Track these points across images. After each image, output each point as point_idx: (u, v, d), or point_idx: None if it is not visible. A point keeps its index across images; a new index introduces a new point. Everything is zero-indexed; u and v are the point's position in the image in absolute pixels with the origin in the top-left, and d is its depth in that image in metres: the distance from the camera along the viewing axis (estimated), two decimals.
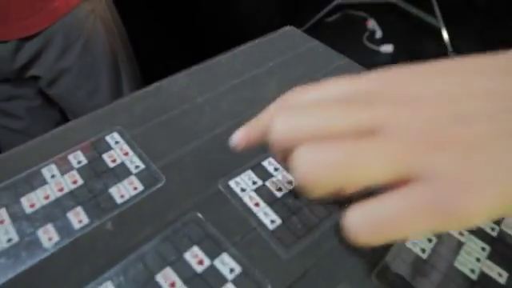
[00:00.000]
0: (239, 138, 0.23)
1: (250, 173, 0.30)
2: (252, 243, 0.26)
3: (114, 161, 0.31)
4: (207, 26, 1.42)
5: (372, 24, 1.85)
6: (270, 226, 0.27)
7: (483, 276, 0.26)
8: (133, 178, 0.30)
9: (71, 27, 0.70)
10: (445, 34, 1.75)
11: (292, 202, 0.28)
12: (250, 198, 0.29)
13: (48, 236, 0.26)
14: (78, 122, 0.34)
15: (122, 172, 0.30)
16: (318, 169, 0.17)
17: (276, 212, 0.28)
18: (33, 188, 0.29)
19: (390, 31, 1.85)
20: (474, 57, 0.17)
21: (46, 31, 0.67)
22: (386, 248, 0.27)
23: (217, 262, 0.25)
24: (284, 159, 0.19)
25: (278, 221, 0.27)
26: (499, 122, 0.16)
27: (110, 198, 0.29)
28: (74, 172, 0.30)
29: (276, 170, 0.31)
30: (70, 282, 0.24)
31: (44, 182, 0.29)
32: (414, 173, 0.16)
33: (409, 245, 0.28)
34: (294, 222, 0.27)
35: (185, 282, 0.24)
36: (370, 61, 1.75)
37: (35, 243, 0.26)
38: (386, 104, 0.17)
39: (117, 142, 0.32)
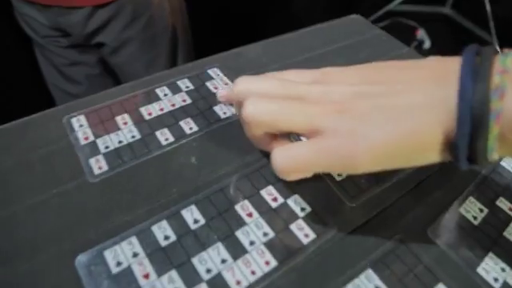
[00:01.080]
0: (222, 95, 0.32)
1: None
2: (320, 190, 0.29)
3: (215, 88, 0.36)
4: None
5: (421, 34, 1.83)
6: (337, 178, 0.30)
7: None
8: None
9: (140, 1, 0.75)
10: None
11: None
12: None
13: (164, 137, 0.31)
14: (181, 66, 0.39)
15: None
16: (257, 111, 0.25)
17: None
18: (150, 102, 0.34)
19: (440, 42, 1.83)
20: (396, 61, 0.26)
21: (118, 1, 0.72)
22: (440, 210, 0.29)
23: (289, 201, 0.28)
24: (238, 108, 0.27)
25: (344, 174, 0.30)
26: (380, 100, 0.23)
27: (215, 113, 0.34)
28: (183, 93, 0.35)
29: None
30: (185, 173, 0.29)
31: (158, 99, 0.35)
32: (321, 127, 0.23)
33: (462, 210, 0.30)
34: (357, 177, 0.30)
35: (260, 213, 0.27)
36: None
37: (154, 141, 0.31)
38: (314, 84, 0.26)
39: (218, 75, 0.38)
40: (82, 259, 0.24)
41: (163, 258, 0.25)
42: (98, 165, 0.29)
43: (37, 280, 0.23)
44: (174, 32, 0.85)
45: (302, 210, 0.28)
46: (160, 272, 0.24)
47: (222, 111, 0.34)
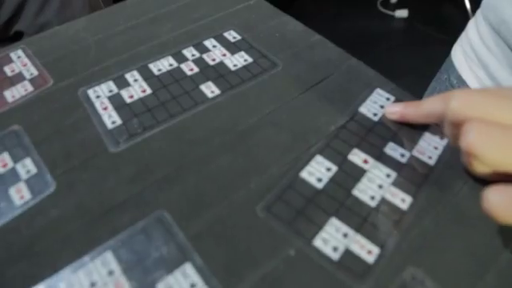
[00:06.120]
0: (393, 111, 0.29)
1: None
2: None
3: (12, 70, 0.34)
4: None
5: None
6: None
7: (383, 202, 0.25)
8: None
9: None
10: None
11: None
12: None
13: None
14: None
15: None
16: (485, 141, 0.20)
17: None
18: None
19: None
20: None
21: None
22: (276, 181, 0.26)
23: None
24: (451, 129, 0.24)
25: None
26: None
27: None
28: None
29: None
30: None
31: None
32: None
33: (303, 174, 0.26)
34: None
35: None
36: (383, 26, 1.66)
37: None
38: None
39: (18, 57, 0.35)
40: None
41: None
42: None
43: None
44: (94, 9, 0.82)
45: None
46: None
47: (12, 94, 0.31)
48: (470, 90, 0.23)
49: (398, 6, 1.71)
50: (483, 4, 0.46)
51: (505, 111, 0.21)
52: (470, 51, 0.47)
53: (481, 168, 0.22)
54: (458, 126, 0.23)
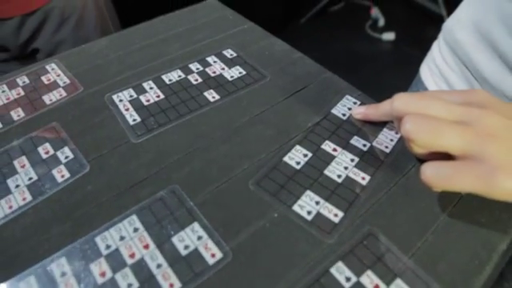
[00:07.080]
0: (358, 112, 0.36)
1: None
2: None
3: (48, 80, 0.40)
4: None
5: (375, 12, 1.86)
6: None
7: (348, 179, 0.31)
8: None
9: (65, 4, 0.80)
10: None
11: None
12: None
13: (17, 114, 0.37)
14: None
15: None
16: (417, 129, 0.27)
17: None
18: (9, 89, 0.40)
19: (393, 19, 1.85)
20: None
21: (44, 7, 0.77)
22: (264, 163, 0.33)
23: None
24: (397, 122, 0.31)
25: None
26: None
27: (42, 101, 0.37)
28: (19, 88, 0.39)
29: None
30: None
31: (18, 85, 0.40)
32: (475, 152, 0.26)
33: (286, 159, 0.33)
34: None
35: None
36: (371, 48, 1.76)
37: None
38: (476, 108, 0.27)
39: (53, 69, 0.42)
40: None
41: None
42: None
43: None
44: (103, 32, 0.89)
45: None
46: None
47: (49, 98, 0.38)
48: (408, 93, 0.30)
49: (386, 29, 1.81)
50: (443, 28, 0.54)
51: (433, 107, 0.28)
52: (434, 68, 0.55)
53: (417, 150, 0.29)
54: (400, 120, 0.30)
